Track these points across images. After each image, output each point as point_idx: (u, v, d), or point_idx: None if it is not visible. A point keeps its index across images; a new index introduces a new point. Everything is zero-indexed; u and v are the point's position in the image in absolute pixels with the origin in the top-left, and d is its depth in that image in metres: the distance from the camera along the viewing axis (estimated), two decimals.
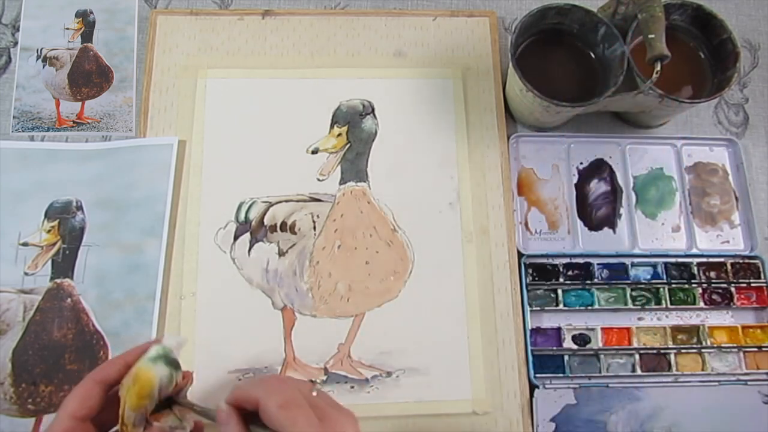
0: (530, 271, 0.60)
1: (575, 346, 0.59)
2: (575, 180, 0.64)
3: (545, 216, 0.62)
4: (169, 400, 0.42)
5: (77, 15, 0.67)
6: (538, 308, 0.59)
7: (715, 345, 0.59)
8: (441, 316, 0.58)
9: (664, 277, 0.61)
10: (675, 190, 0.64)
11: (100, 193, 0.60)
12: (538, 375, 0.57)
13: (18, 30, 0.66)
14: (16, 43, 0.65)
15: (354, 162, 0.61)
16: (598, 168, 0.64)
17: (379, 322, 0.57)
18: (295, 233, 0.59)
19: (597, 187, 0.64)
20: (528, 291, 0.59)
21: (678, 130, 0.67)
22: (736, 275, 0.61)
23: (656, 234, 0.62)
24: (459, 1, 0.69)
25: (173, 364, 0.40)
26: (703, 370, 0.58)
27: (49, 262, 0.57)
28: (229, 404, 0.39)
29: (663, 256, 0.62)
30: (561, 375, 0.57)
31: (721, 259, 0.62)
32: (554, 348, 0.58)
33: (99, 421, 0.41)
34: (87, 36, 0.66)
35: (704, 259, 0.62)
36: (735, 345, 0.59)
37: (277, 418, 0.37)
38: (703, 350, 0.59)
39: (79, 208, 0.59)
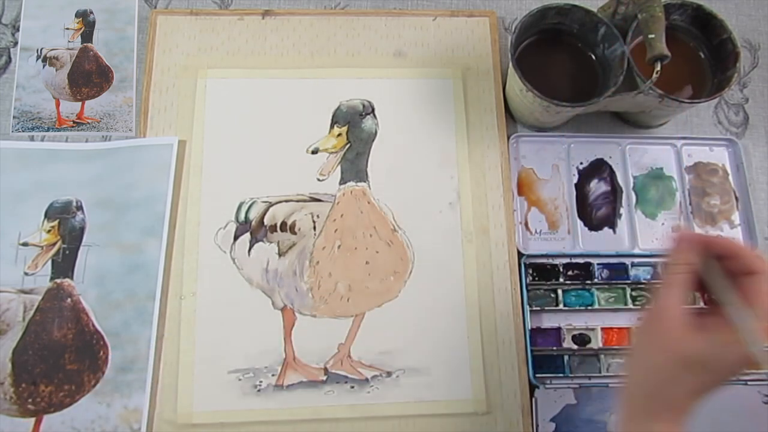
0: (530, 271, 0.60)
1: (575, 346, 0.59)
2: (575, 180, 0.64)
3: (545, 216, 0.62)
4: None
5: (77, 15, 0.67)
6: (538, 308, 0.59)
7: None
8: (441, 316, 0.58)
9: None
10: (675, 190, 0.64)
11: (100, 193, 0.60)
12: (538, 375, 0.57)
13: (18, 30, 0.66)
14: (16, 43, 0.65)
15: (354, 162, 0.61)
16: (598, 168, 0.64)
17: (379, 322, 0.57)
18: (295, 233, 0.59)
19: (597, 187, 0.64)
20: (528, 291, 0.59)
21: (678, 130, 0.67)
22: None
23: (656, 234, 0.62)
24: (459, 1, 0.69)
25: None
26: None
27: (49, 262, 0.57)
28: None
29: (663, 256, 0.61)
30: (561, 375, 0.57)
31: None
32: (554, 348, 0.58)
33: None
34: (87, 36, 0.66)
35: None
36: None
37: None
38: None
39: (79, 208, 0.59)
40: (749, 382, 0.57)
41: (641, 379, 0.40)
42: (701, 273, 0.40)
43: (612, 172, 0.64)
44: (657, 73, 0.54)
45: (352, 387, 0.56)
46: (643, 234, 0.62)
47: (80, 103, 0.64)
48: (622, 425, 0.40)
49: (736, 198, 0.64)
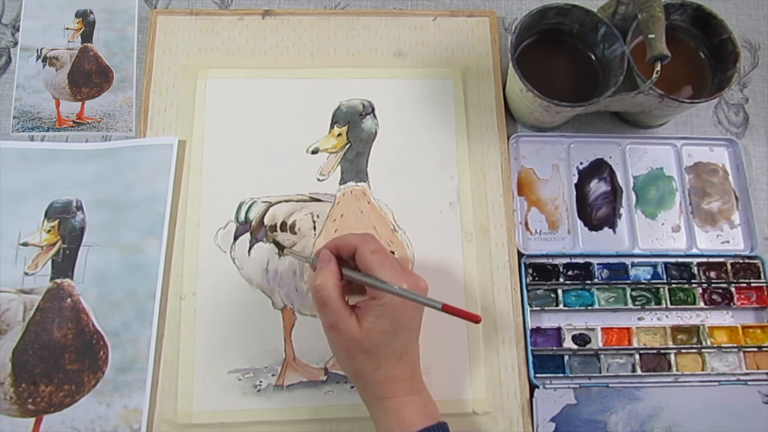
0: (530, 271, 0.60)
1: (575, 346, 0.59)
2: (575, 180, 0.64)
3: (545, 216, 0.62)
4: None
5: (77, 15, 0.67)
6: (538, 308, 0.59)
7: (715, 345, 0.59)
8: (441, 316, 0.58)
9: (664, 277, 0.61)
10: (675, 190, 0.64)
11: (100, 193, 0.60)
12: (538, 375, 0.57)
13: (18, 30, 0.66)
14: (16, 43, 0.65)
15: (354, 162, 0.61)
16: (598, 168, 0.64)
17: None
18: (295, 233, 0.59)
19: (597, 187, 0.64)
20: (528, 291, 0.59)
21: (678, 130, 0.67)
22: (736, 275, 0.61)
23: (656, 234, 0.62)
24: (459, 1, 0.69)
25: None
26: (703, 370, 0.58)
27: (49, 262, 0.57)
28: (328, 249, 0.48)
29: (663, 256, 0.62)
30: (561, 375, 0.57)
31: (721, 259, 0.62)
32: (554, 348, 0.58)
33: None
34: (87, 36, 0.66)
35: (704, 259, 0.62)
36: (735, 345, 0.59)
37: (369, 260, 0.46)
38: (703, 350, 0.59)
39: (79, 208, 0.59)
40: (749, 382, 0.58)
41: (354, 368, 0.47)
42: (347, 278, 0.48)
43: (612, 172, 0.64)
44: (657, 73, 0.54)
45: (352, 387, 0.56)
46: (643, 234, 0.62)
47: (80, 103, 0.64)
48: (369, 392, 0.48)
49: (736, 198, 0.64)
